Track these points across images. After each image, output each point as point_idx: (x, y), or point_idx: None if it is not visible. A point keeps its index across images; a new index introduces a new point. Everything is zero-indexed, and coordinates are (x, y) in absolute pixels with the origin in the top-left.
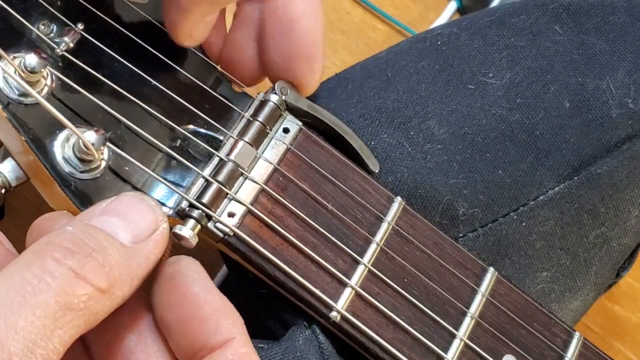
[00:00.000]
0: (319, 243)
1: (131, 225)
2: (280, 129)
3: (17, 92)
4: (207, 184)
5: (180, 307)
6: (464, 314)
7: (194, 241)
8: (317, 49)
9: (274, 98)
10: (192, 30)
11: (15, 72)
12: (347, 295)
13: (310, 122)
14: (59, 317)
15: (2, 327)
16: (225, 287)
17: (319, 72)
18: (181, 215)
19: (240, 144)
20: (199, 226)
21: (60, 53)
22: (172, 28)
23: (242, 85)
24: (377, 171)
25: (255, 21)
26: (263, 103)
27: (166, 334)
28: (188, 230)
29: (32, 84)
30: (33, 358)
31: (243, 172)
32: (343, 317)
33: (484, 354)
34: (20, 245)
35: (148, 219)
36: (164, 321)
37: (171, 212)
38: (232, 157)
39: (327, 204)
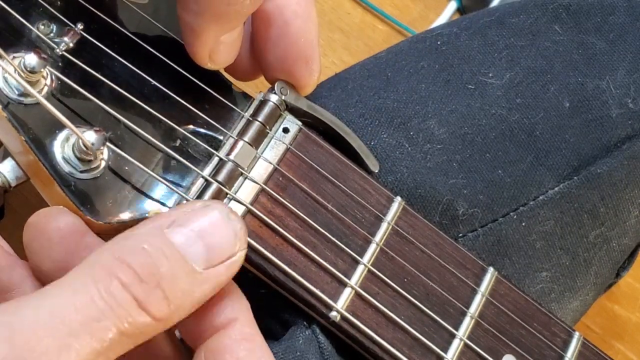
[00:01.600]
0: (319, 243)
1: (209, 248)
2: (280, 129)
3: (17, 92)
4: (207, 184)
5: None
6: (464, 313)
7: None
8: (313, 50)
9: (273, 98)
10: (211, 53)
11: (15, 72)
12: (346, 295)
13: (310, 122)
14: (115, 341)
15: (54, 347)
16: None
17: (316, 73)
18: None
19: (240, 143)
20: None
21: (60, 53)
22: (190, 50)
23: (233, 80)
24: (376, 171)
25: (248, 19)
26: (263, 103)
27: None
28: None
29: (31, 84)
30: None
31: (243, 172)
32: (343, 317)
33: (483, 353)
34: (20, 244)
35: (228, 245)
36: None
37: None
38: (231, 157)
39: (327, 204)
